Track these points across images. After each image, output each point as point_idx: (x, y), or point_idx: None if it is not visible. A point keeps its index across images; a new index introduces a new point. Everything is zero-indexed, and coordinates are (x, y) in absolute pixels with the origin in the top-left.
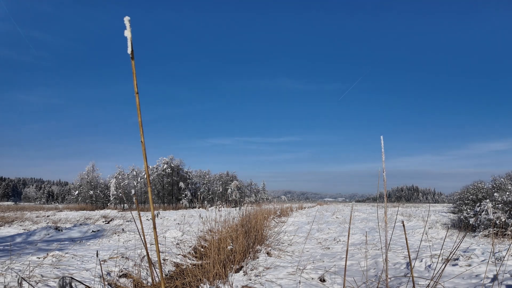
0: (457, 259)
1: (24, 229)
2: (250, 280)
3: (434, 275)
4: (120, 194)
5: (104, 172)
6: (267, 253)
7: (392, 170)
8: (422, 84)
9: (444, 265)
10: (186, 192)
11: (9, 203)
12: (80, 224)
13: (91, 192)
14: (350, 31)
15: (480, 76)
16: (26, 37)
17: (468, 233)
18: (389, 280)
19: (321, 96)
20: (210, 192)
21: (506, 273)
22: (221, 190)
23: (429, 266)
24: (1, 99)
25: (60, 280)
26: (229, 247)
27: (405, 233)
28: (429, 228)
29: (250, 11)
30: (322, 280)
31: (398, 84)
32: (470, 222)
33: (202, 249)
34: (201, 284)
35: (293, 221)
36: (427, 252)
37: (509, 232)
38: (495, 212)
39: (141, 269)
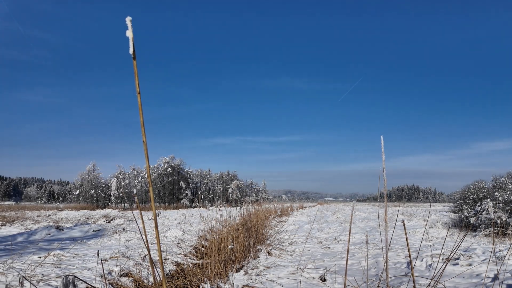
0: (457, 258)
1: (25, 229)
2: (251, 279)
3: (434, 274)
4: (121, 194)
5: (104, 172)
6: (268, 253)
7: (393, 170)
8: (423, 84)
9: (444, 264)
10: (186, 192)
11: (10, 202)
12: (81, 224)
13: (92, 191)
14: (351, 31)
15: (481, 75)
16: (27, 36)
17: (469, 233)
18: (389, 279)
19: (322, 95)
20: (210, 192)
21: (507, 273)
22: (221, 189)
23: (430, 265)
24: (2, 98)
25: (63, 279)
26: (229, 247)
27: (405, 233)
28: (429, 227)
29: (252, 11)
30: (323, 279)
31: (399, 84)
32: (471, 222)
33: (203, 249)
34: (202, 284)
35: (293, 220)
36: (427, 252)
37: (510, 232)
38: (496, 212)
39: (142, 268)
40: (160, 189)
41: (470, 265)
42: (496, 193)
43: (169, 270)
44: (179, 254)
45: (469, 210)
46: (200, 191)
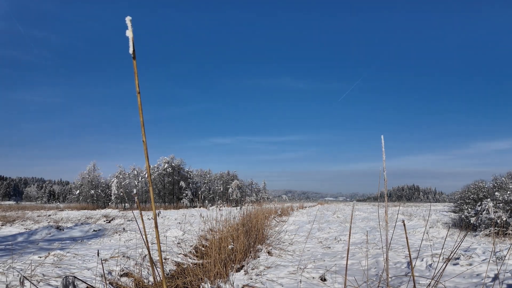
0: (458, 258)
1: (26, 229)
2: (251, 279)
3: (435, 274)
4: (121, 194)
5: (105, 172)
6: (268, 253)
7: (393, 170)
8: (423, 84)
9: (445, 264)
10: (187, 192)
11: (10, 202)
12: (81, 224)
13: (92, 191)
14: (351, 31)
15: (482, 75)
16: (27, 36)
17: (469, 233)
18: (390, 279)
19: (322, 95)
20: (211, 192)
21: (507, 272)
22: (222, 189)
23: (430, 265)
24: (3, 98)
25: (63, 279)
26: (230, 247)
27: (405, 233)
28: (430, 227)
29: (252, 11)
30: (323, 279)
31: (399, 84)
32: (471, 222)
33: (203, 248)
34: (202, 283)
35: (293, 220)
36: (428, 252)
37: (510, 232)
38: (496, 211)
39: (142, 268)
40: (160, 189)
41: (471, 265)
42: (496, 193)
43: (169, 270)
44: (179, 254)
45: (469, 210)
46: (200, 191)
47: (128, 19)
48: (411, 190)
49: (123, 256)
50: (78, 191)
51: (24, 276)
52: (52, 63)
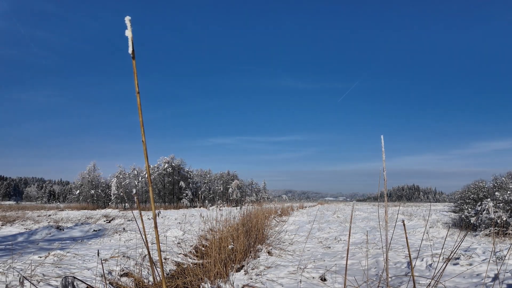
0: (458, 258)
1: (26, 229)
2: (251, 279)
3: (435, 274)
4: (121, 194)
5: (105, 172)
6: (268, 252)
7: (393, 170)
8: (423, 84)
9: (445, 264)
10: (187, 192)
11: (10, 202)
12: (82, 224)
13: (92, 191)
14: (351, 31)
15: (482, 75)
16: (27, 35)
17: (469, 233)
18: (390, 279)
19: (322, 95)
20: (211, 192)
21: (507, 272)
22: (222, 189)
23: (430, 265)
24: (2, 98)
25: (62, 279)
26: (230, 246)
27: (405, 232)
28: (430, 227)
29: (252, 11)
30: (323, 279)
31: (399, 84)
32: (471, 221)
33: (203, 248)
34: (202, 283)
35: (294, 220)
36: (428, 252)
37: (510, 232)
38: (496, 211)
39: (142, 268)
40: (161, 189)
41: (471, 264)
42: (496, 193)
43: (169, 270)
44: (180, 254)
45: (470, 209)
46: (201, 191)
47: (127, 19)
48: (411, 190)
49: (123, 256)
50: (78, 191)
51: (24, 276)
52: (52, 62)
